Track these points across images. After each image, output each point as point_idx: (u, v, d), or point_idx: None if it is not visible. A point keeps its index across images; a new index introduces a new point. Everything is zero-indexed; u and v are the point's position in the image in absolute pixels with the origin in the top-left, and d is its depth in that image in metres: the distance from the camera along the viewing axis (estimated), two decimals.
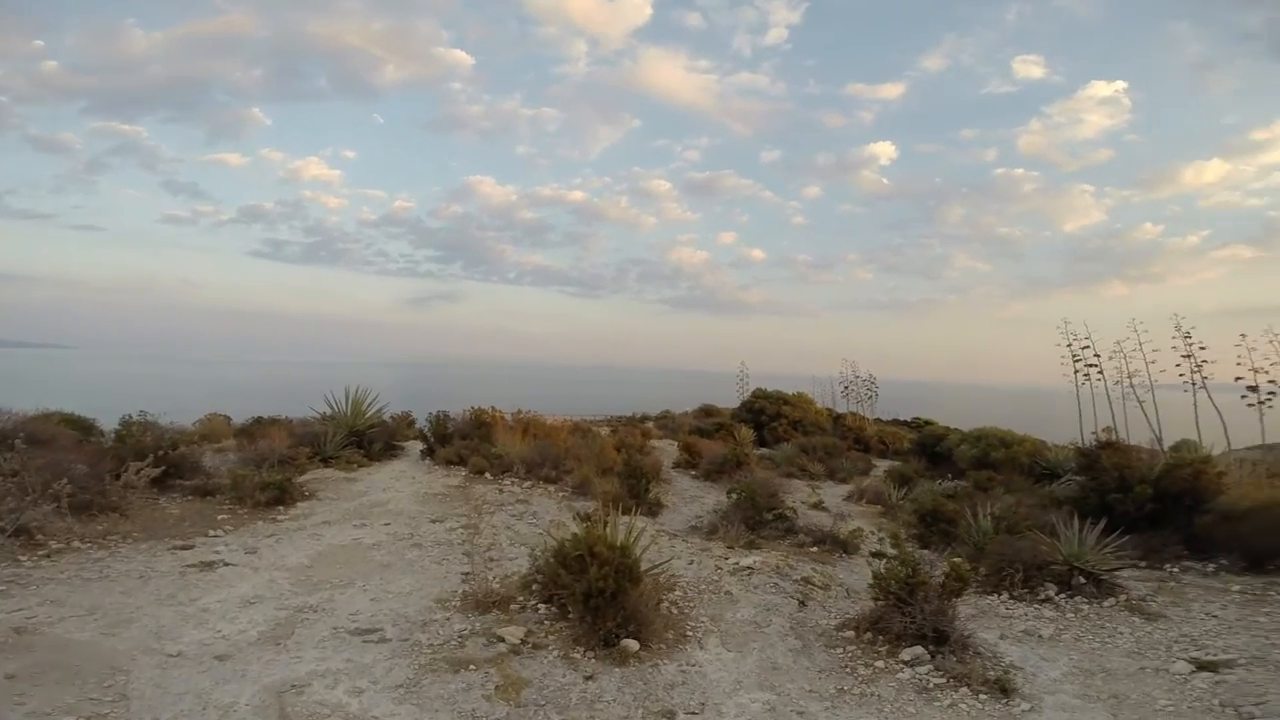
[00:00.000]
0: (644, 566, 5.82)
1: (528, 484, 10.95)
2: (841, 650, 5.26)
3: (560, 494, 10.56)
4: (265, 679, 4.27)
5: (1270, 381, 12.13)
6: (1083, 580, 6.82)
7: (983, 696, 4.42)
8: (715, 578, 6.94)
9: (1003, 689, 4.47)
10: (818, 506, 11.15)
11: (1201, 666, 4.79)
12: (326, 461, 11.63)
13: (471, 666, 4.61)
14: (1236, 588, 6.98)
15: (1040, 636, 5.70)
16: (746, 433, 16.39)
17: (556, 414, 20.36)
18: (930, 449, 15.64)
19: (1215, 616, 6.02)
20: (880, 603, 5.71)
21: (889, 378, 20.91)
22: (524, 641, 5.06)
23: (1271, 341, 12.38)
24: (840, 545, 8.62)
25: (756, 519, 9.44)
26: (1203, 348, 12.95)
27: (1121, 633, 5.70)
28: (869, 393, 21.28)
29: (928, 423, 19.42)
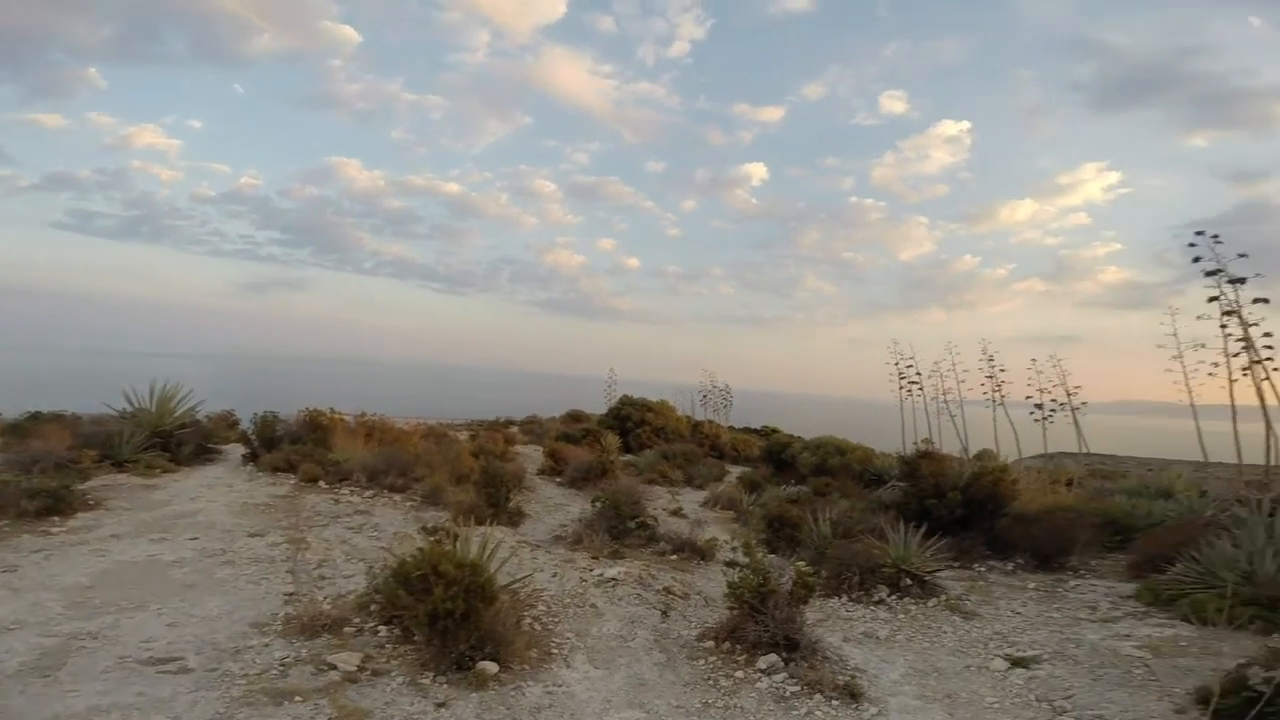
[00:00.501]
0: (502, 581, 5.42)
1: (370, 493, 10.01)
2: (703, 661, 5.19)
3: (408, 504, 9.76)
4: (32, 715, 3.43)
5: (1052, 400, 14.08)
6: (909, 582, 7.33)
7: (834, 703, 4.51)
8: (580, 590, 6.66)
9: (852, 694, 4.59)
10: (677, 513, 11.23)
11: (1015, 663, 5.25)
12: (121, 466, 9.90)
13: (297, 698, 3.97)
14: (1033, 585, 7.86)
15: (878, 638, 5.99)
16: (613, 439, 16.29)
17: (411, 417, 19.03)
18: (776, 456, 16.45)
19: (1019, 614, 6.69)
20: (735, 612, 5.75)
21: (743, 387, 21.92)
22: (361, 668, 4.47)
23: (1055, 366, 14.39)
24: (698, 553, 8.68)
25: (620, 528, 9.28)
26: (1002, 370, 14.79)
27: (945, 632, 6.14)
28: (724, 401, 22.14)
29: (775, 430, 20.51)
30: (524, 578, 6.19)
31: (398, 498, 10.02)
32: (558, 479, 13.51)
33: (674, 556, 8.59)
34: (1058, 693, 4.64)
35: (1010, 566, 8.81)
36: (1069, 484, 12.69)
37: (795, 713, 4.39)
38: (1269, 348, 9.60)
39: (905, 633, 6.12)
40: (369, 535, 7.97)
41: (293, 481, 10.28)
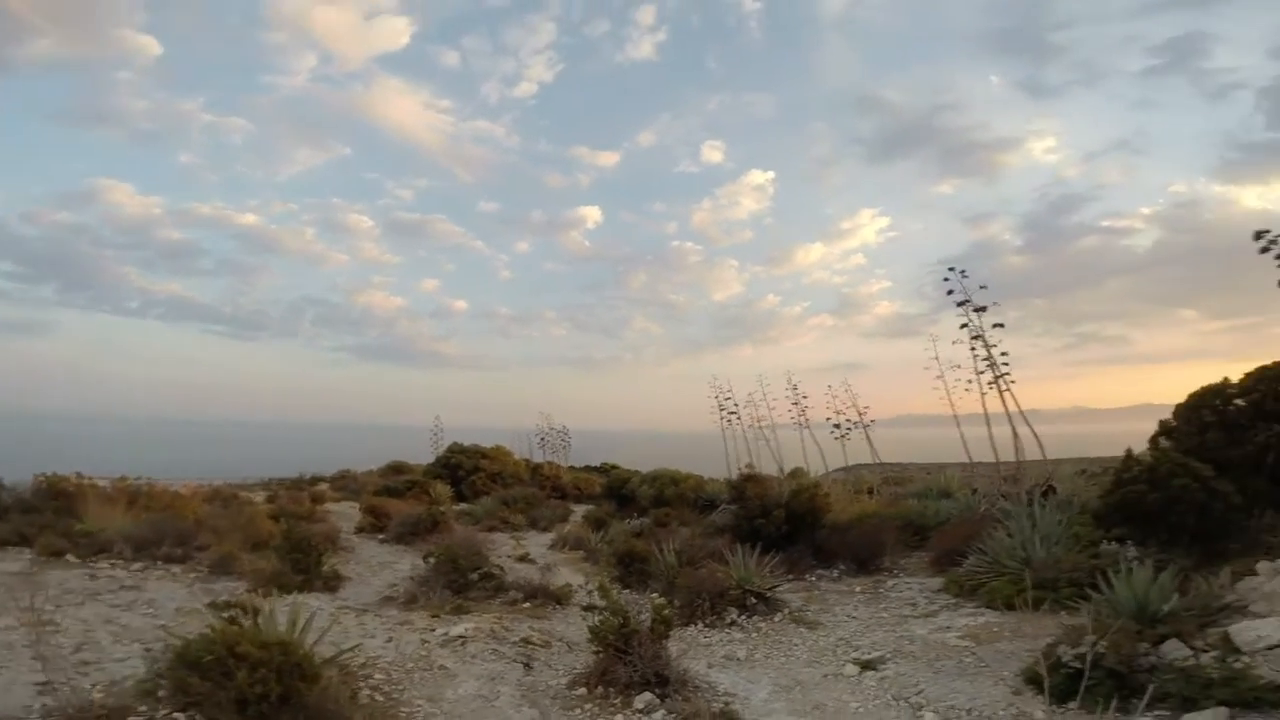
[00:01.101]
0: (327, 653, 4.62)
1: (138, 566, 8.24)
2: (579, 710, 4.80)
3: (192, 576, 8.14)
4: None
5: (847, 420, 15.74)
6: (754, 600, 7.52)
7: None
8: (424, 653, 5.87)
9: None
10: (524, 559, 10.60)
11: (864, 666, 5.51)
12: None
13: None
14: (858, 588, 8.48)
15: (739, 659, 6.00)
16: (443, 489, 15.16)
17: (190, 479, 16.28)
18: (618, 491, 16.44)
19: (854, 618, 7.13)
20: (601, 655, 5.44)
21: (581, 427, 21.86)
22: None
23: (846, 390, 16.16)
24: (552, 598, 8.19)
25: (461, 581, 8.48)
26: (805, 396, 16.28)
27: (796, 644, 6.33)
28: (563, 442, 21.80)
29: (614, 467, 20.57)
30: (352, 647, 5.33)
31: (177, 569, 8.32)
32: (380, 536, 12.15)
33: (527, 605, 8.01)
34: (909, 690, 4.93)
35: (835, 573, 9.47)
36: (870, 492, 14.19)
37: None
38: (1006, 364, 11.62)
39: (762, 650, 6.20)
40: (143, 613, 6.46)
41: (29, 556, 8.16)
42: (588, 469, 21.66)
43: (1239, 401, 8.35)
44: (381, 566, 9.95)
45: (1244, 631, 4.25)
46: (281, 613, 4.78)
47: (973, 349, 11.93)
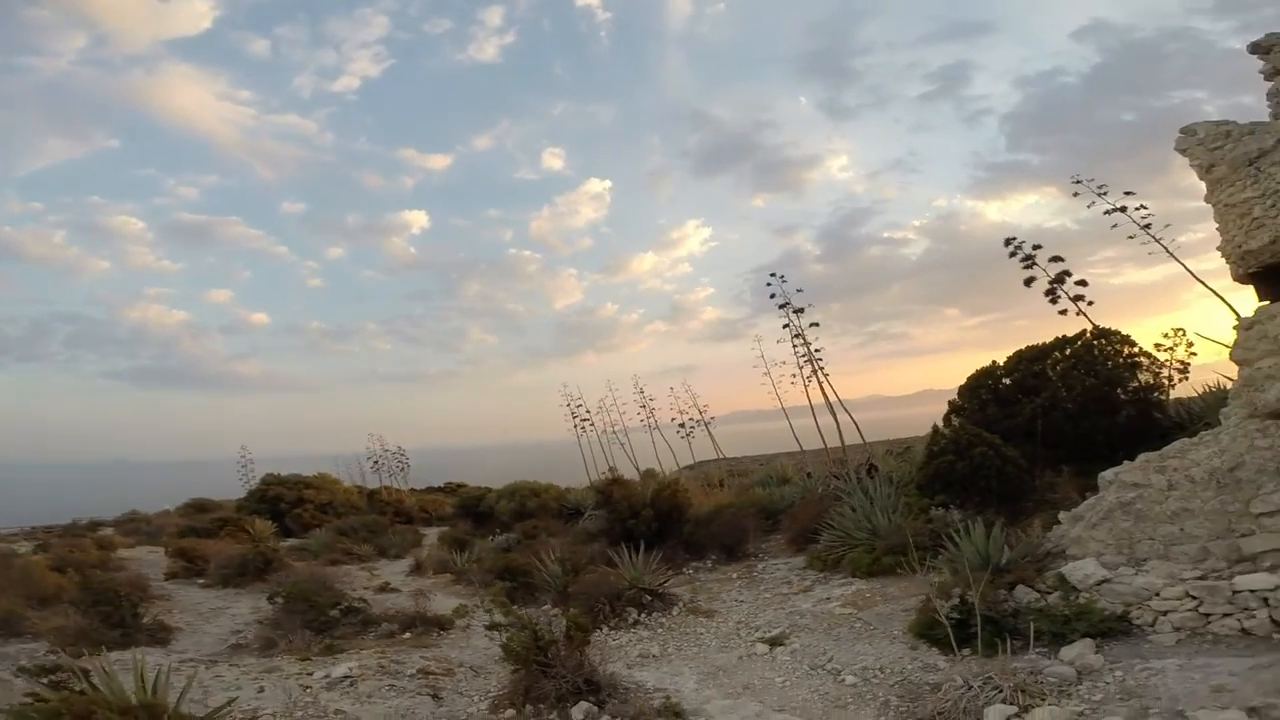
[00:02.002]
0: (197, 713, 3.92)
1: None
2: None
3: None
4: None
5: (690, 419, 16.64)
6: (649, 598, 7.64)
7: None
8: (310, 699, 5.11)
9: (676, 714, 4.49)
10: (385, 589, 9.65)
11: (772, 644, 5.84)
12: None
13: None
14: (735, 575, 8.96)
15: (655, 656, 6.05)
16: (263, 525, 13.24)
17: None
18: (473, 509, 15.61)
19: (742, 601, 7.53)
20: (520, 672, 5.17)
21: (418, 447, 20.17)
22: None
23: (688, 391, 17.10)
24: (434, 624, 7.58)
25: (321, 619, 7.53)
26: (652, 399, 16.95)
27: (701, 634, 6.53)
28: (401, 464, 20.00)
29: (461, 486, 19.43)
30: (228, 702, 4.51)
31: None
32: (200, 580, 10.31)
33: (407, 635, 7.33)
34: (821, 659, 5.33)
35: (708, 564, 9.92)
36: (719, 485, 15.07)
37: None
38: (820, 358, 13.16)
39: (673, 644, 6.31)
40: None
41: None
42: (430, 490, 20.21)
43: (1006, 381, 10.27)
44: (213, 613, 8.47)
45: (1074, 572, 5.25)
46: (120, 672, 3.94)
47: (794, 347, 13.34)
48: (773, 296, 12.77)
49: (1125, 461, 6.25)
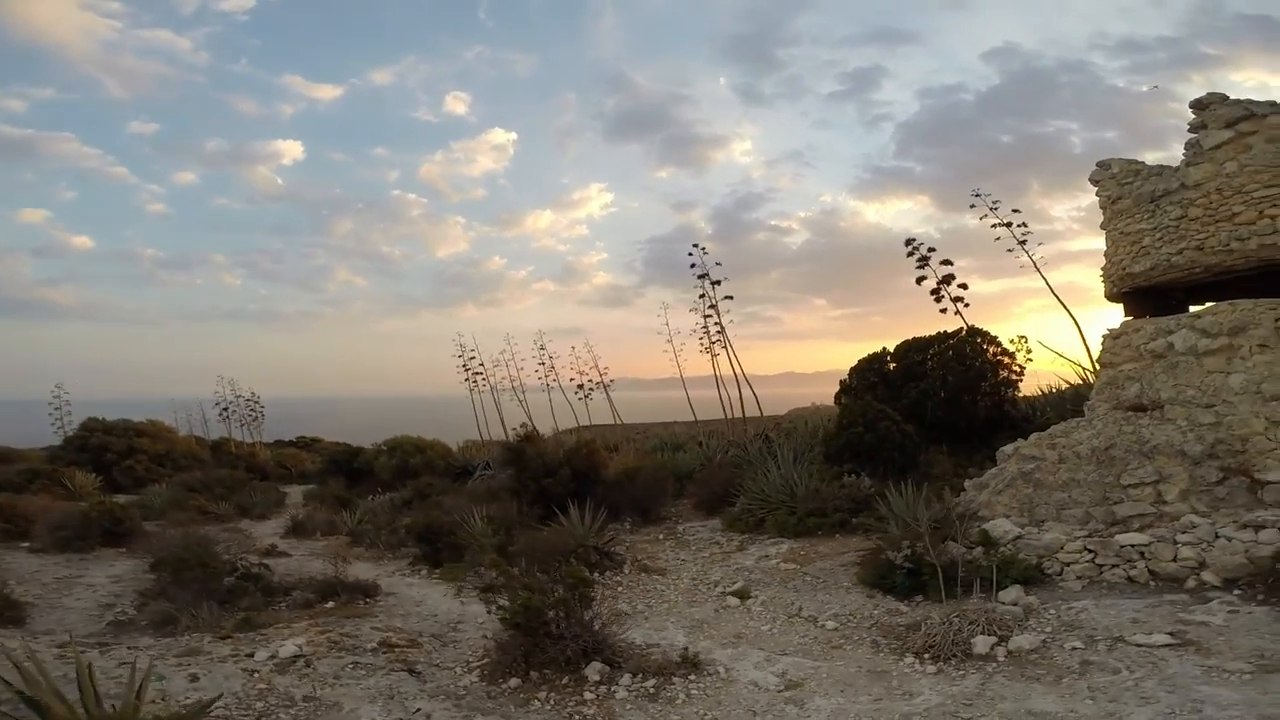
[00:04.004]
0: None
1: None
2: (536, 701, 4.35)
3: None
4: None
5: (590, 382, 16.66)
6: (597, 557, 7.69)
7: (692, 678, 4.47)
8: (264, 685, 4.52)
9: (694, 663, 4.64)
10: (272, 552, 8.61)
11: (740, 597, 6.20)
12: None
13: None
14: (661, 536, 9.25)
15: (627, 614, 6.12)
16: (85, 478, 11.11)
17: None
18: (346, 466, 14.29)
19: (684, 560, 7.83)
20: (518, 638, 5.00)
21: (268, 396, 17.78)
22: None
23: (589, 353, 17.04)
24: (360, 591, 6.97)
25: (216, 588, 6.61)
26: (553, 357, 16.67)
27: (662, 590, 6.73)
28: (253, 414, 17.47)
29: (316, 440, 17.61)
30: (213, 701, 3.88)
31: None
32: (24, 545, 8.43)
33: (330, 605, 6.66)
34: (792, 608, 5.74)
35: (626, 525, 10.12)
36: (614, 449, 15.32)
37: (677, 702, 4.20)
38: (720, 329, 13.88)
39: (640, 602, 6.42)
40: None
41: None
42: (283, 444, 18.04)
43: (892, 366, 11.61)
44: (61, 584, 7.03)
45: (995, 528, 6.18)
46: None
47: (706, 317, 13.89)
48: (693, 266, 13.12)
49: (996, 443, 7.47)
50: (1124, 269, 7.57)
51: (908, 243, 11.93)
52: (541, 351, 16.39)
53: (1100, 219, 8.04)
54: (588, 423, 16.32)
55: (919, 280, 11.79)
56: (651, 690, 4.35)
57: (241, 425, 17.10)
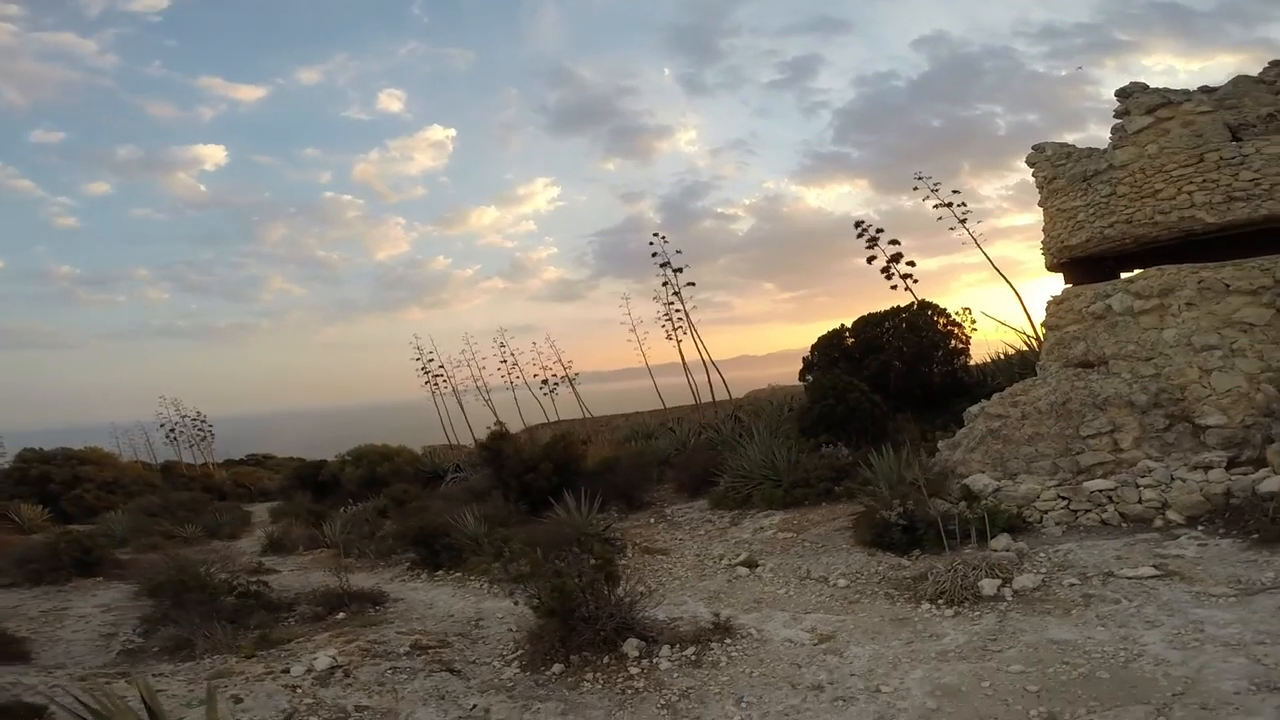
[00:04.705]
0: None
1: None
2: (585, 684, 4.51)
3: None
4: None
5: (554, 376, 16.70)
6: (598, 544, 7.85)
7: (728, 643, 4.74)
8: (310, 700, 4.52)
9: (728, 630, 4.91)
10: (262, 570, 8.36)
11: (750, 567, 6.52)
12: None
13: None
14: (652, 520, 9.49)
15: (646, 592, 6.33)
16: (32, 510, 10.42)
17: None
18: (310, 480, 13.82)
19: (681, 540, 8.10)
20: (551, 625, 5.15)
21: (209, 415, 16.79)
22: None
23: (551, 347, 17.05)
24: (368, 600, 6.92)
25: (220, 608, 6.44)
26: (514, 354, 16.60)
27: (671, 568, 6.98)
28: (202, 434, 16.48)
29: (268, 456, 16.88)
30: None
31: None
32: None
33: (341, 615, 6.60)
34: (801, 572, 6.09)
35: (613, 513, 10.31)
36: (585, 442, 15.44)
37: (721, 664, 4.46)
38: (685, 318, 14.20)
39: (651, 580, 6.62)
40: None
41: None
42: (230, 463, 17.15)
43: (850, 340, 12.23)
44: (49, 617, 6.68)
45: (975, 483, 6.73)
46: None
47: (670, 305, 14.19)
48: (654, 255, 13.36)
49: (950, 409, 8.07)
50: (1062, 242, 8.29)
51: (857, 224, 12.55)
52: (503, 349, 16.29)
53: (1038, 198, 8.75)
54: (555, 418, 16.35)
55: (870, 259, 12.43)
56: (693, 657, 4.60)
57: (190, 446, 16.23)
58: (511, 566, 5.92)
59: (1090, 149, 7.90)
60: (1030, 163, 8.47)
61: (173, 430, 16.23)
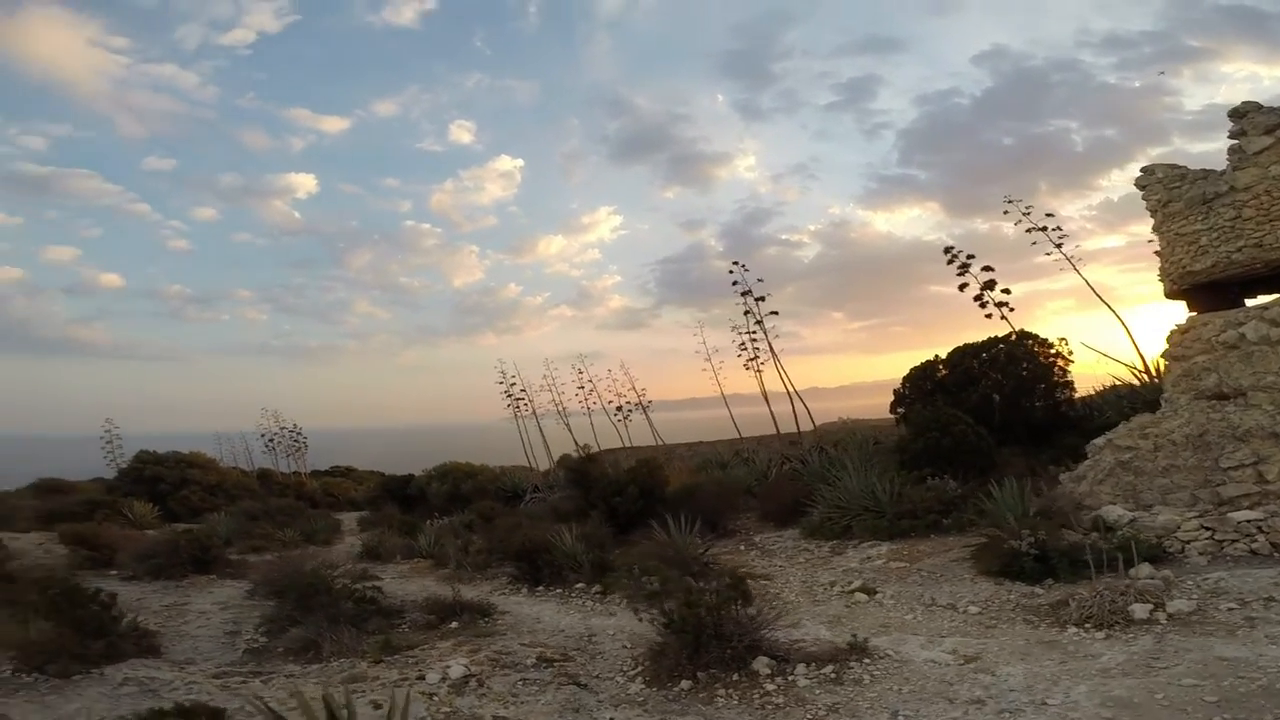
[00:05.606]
0: None
1: None
2: (719, 699, 4.42)
3: None
4: None
5: (627, 403, 16.74)
6: (699, 567, 7.74)
7: (867, 662, 4.63)
8: (448, 709, 4.54)
9: (864, 649, 4.78)
10: (367, 576, 8.54)
11: (868, 593, 6.31)
12: None
13: None
14: (742, 547, 9.33)
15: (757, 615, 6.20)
16: (144, 507, 11.02)
17: None
18: (398, 492, 14.20)
19: (780, 567, 7.92)
20: (678, 643, 5.07)
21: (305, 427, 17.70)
22: None
23: (625, 375, 17.14)
24: (478, 611, 6.96)
25: (342, 613, 6.58)
26: (591, 381, 16.76)
27: (779, 593, 6.81)
28: (297, 445, 17.30)
29: (350, 469, 17.47)
30: None
31: None
32: (113, 572, 8.32)
33: (454, 625, 6.65)
34: (925, 599, 5.92)
35: (700, 539, 10.15)
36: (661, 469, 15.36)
37: (864, 682, 4.34)
38: (755, 345, 14.03)
39: (764, 604, 6.49)
40: None
41: None
42: (316, 474, 17.82)
43: (944, 373, 11.86)
44: (174, 611, 6.99)
45: (1108, 514, 6.37)
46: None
47: (751, 334, 14.09)
48: (735, 283, 13.36)
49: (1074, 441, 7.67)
50: (1184, 268, 7.90)
51: (946, 250, 12.29)
52: (580, 375, 16.49)
53: (1125, 219, 8.50)
54: (628, 444, 16.36)
55: (961, 287, 12.11)
56: (833, 675, 4.49)
57: (286, 456, 16.99)
58: (644, 582, 5.87)
59: (1205, 170, 7.59)
60: (1141, 185, 8.16)
61: (271, 440, 17.09)
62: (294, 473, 16.63)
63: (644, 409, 16.29)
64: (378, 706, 4.55)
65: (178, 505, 13.04)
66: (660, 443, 16.33)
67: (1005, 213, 11.94)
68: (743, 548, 9.29)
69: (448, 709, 4.49)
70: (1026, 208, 11.77)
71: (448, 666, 5.09)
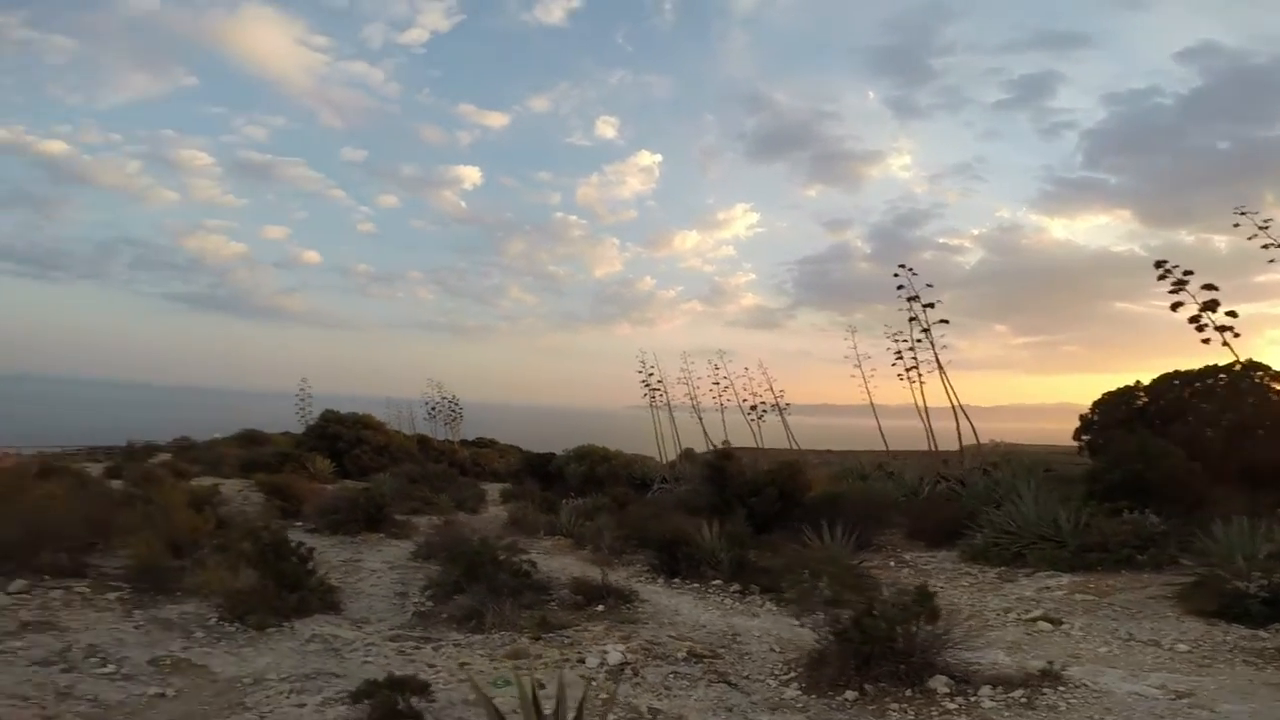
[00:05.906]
0: None
1: (17, 587, 5.30)
2: (895, 712, 4.12)
3: (114, 598, 5.48)
4: None
5: (762, 403, 16.29)
6: (852, 578, 7.30)
7: (1061, 688, 4.22)
8: (605, 697, 4.45)
9: (1057, 677, 4.33)
10: (515, 549, 8.94)
11: (1053, 622, 5.84)
12: None
13: None
14: (893, 564, 8.69)
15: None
16: (324, 463, 12.28)
17: None
18: (539, 469, 14.91)
19: (941, 588, 7.24)
20: (856, 651, 4.73)
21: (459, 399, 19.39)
22: None
23: (762, 374, 16.68)
24: (621, 597, 6.98)
25: (503, 585, 6.80)
26: (727, 377, 16.49)
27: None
28: (454, 415, 18.94)
29: (492, 441, 18.63)
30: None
31: (81, 588, 5.46)
32: (299, 523, 9.36)
33: (600, 608, 6.71)
34: (1121, 634, 5.35)
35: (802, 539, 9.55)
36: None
37: (1059, 709, 3.96)
38: (912, 355, 12.96)
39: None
40: (98, 674, 4.09)
41: None
42: (465, 444, 19.28)
43: (1143, 401, 10.36)
44: (349, 568, 7.65)
45: None
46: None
47: (919, 341, 13.10)
48: (900, 288, 12.52)
49: None
50: None
51: (1158, 264, 10.65)
52: (716, 371, 16.28)
53: None
54: (761, 444, 15.95)
55: (1174, 306, 10.44)
56: (1023, 699, 4.08)
57: (444, 424, 18.58)
58: (818, 588, 5.60)
59: None
60: None
61: (434, 408, 18.72)
62: (448, 440, 18.02)
63: (780, 410, 15.79)
64: (542, 686, 4.66)
65: (350, 463, 14.52)
66: (795, 446, 15.75)
67: (1236, 225, 10.13)
68: (892, 564, 8.69)
69: (605, 696, 4.49)
70: (1264, 221, 9.91)
71: (605, 652, 5.12)
